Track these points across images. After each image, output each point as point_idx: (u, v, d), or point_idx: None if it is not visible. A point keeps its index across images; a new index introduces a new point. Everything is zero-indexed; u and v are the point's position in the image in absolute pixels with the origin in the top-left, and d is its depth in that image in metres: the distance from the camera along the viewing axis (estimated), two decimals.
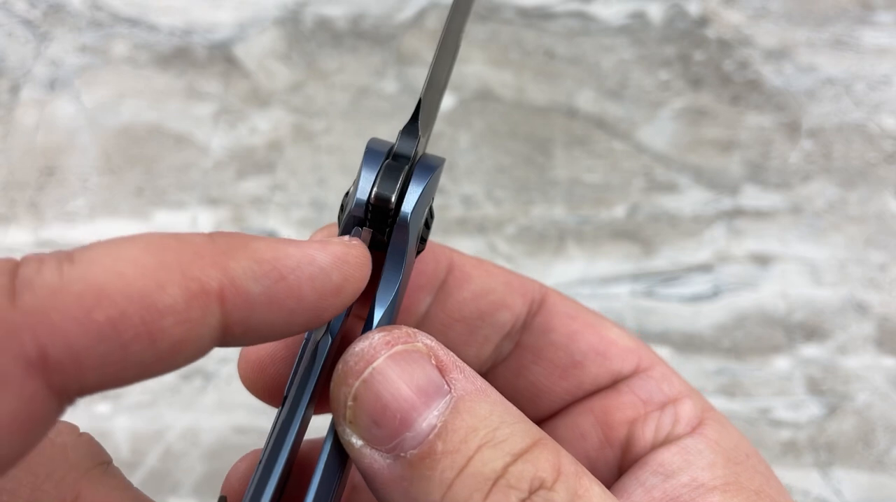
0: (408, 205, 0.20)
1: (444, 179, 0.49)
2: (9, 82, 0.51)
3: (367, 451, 0.18)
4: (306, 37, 0.52)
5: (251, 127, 0.50)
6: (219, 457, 0.43)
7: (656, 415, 0.25)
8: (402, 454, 0.17)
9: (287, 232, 0.48)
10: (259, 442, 0.44)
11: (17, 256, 0.15)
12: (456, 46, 0.26)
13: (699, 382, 0.45)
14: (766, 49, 0.52)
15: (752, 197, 0.49)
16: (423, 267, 0.25)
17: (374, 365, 0.18)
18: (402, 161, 0.20)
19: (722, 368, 0.46)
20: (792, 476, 0.44)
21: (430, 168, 0.20)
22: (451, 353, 0.19)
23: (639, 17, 0.53)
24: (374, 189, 0.19)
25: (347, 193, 0.21)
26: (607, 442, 0.25)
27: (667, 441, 0.24)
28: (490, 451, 0.17)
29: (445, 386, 0.18)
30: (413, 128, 0.20)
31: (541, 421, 0.27)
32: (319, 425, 0.20)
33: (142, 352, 0.14)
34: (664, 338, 0.46)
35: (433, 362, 0.18)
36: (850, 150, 0.50)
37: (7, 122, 0.50)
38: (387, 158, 0.20)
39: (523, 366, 0.26)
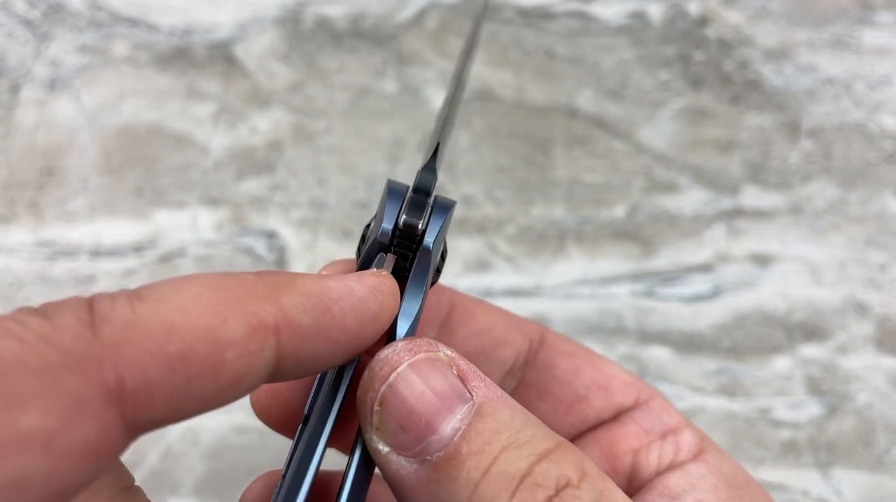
0: (430, 235, 0.22)
1: (443, 178, 0.49)
2: (9, 82, 0.51)
3: (394, 457, 0.18)
4: (306, 37, 0.52)
5: (251, 127, 0.50)
6: (219, 457, 0.43)
7: (659, 444, 0.26)
8: (427, 457, 0.18)
9: (287, 232, 0.48)
10: (259, 441, 0.44)
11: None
12: (465, 84, 0.28)
13: (699, 382, 0.45)
14: (766, 49, 0.52)
15: (752, 197, 0.49)
16: (427, 303, 0.25)
17: (399, 370, 0.19)
18: (423, 194, 0.22)
19: (722, 368, 0.46)
20: (792, 476, 0.44)
21: (446, 207, 0.23)
22: (471, 364, 0.20)
23: (639, 17, 0.53)
24: (403, 216, 0.22)
25: (369, 225, 0.23)
26: (613, 471, 0.26)
27: (670, 467, 0.25)
28: (515, 452, 0.17)
29: (467, 394, 0.19)
30: (431, 166, 0.22)
31: None
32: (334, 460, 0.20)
33: (206, 384, 0.15)
34: (664, 338, 0.46)
35: (454, 371, 0.19)
36: (850, 150, 0.50)
37: (7, 122, 0.50)
38: (408, 193, 0.22)
39: (529, 403, 0.27)
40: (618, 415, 0.27)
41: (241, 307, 0.16)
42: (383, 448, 0.18)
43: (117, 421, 0.14)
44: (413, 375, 0.18)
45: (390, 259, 0.22)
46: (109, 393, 0.14)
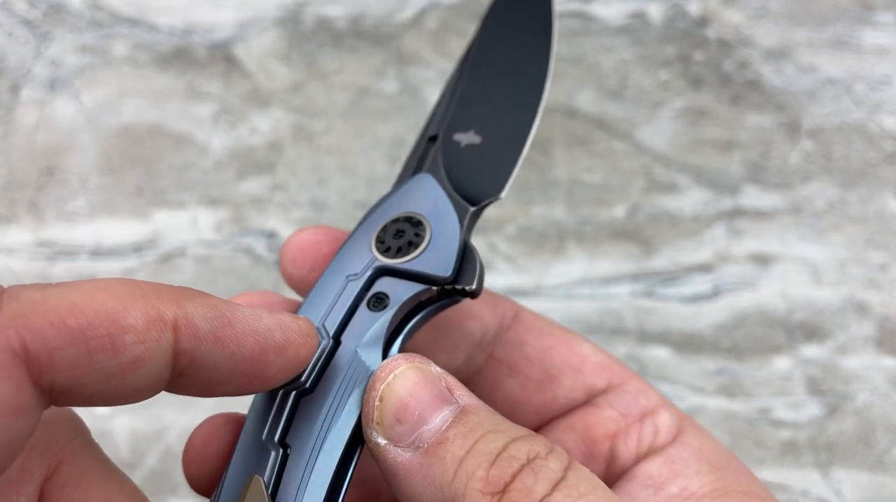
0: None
1: None
2: (9, 82, 0.51)
3: (391, 448, 0.21)
4: (306, 37, 0.52)
5: (251, 127, 0.50)
6: None
7: (637, 427, 0.26)
8: (420, 446, 0.20)
9: (287, 231, 0.48)
10: None
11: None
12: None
13: (699, 382, 0.45)
14: (766, 49, 0.52)
15: (752, 197, 0.49)
16: None
17: (396, 372, 0.21)
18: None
19: (722, 368, 0.46)
20: (792, 476, 0.44)
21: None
22: (456, 380, 0.22)
23: (639, 17, 0.53)
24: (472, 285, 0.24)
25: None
26: (591, 456, 0.26)
27: (650, 452, 0.25)
28: (493, 435, 0.20)
29: (453, 399, 0.21)
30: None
31: None
32: None
33: (106, 361, 0.17)
34: (664, 337, 0.46)
35: (443, 383, 0.22)
36: (850, 150, 0.50)
37: (7, 122, 0.50)
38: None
39: (498, 379, 0.28)
40: (590, 398, 0.27)
41: (144, 300, 0.18)
42: (382, 441, 0.21)
43: (27, 379, 0.16)
44: (408, 376, 0.21)
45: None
46: (15, 354, 0.16)
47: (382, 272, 0.24)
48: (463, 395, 0.22)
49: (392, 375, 0.21)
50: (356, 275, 0.24)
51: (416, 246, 0.24)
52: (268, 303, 0.25)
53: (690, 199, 0.49)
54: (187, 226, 0.48)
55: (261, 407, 0.22)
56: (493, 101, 0.28)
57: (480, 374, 0.28)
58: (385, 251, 0.24)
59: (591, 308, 0.46)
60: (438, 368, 0.22)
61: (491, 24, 0.29)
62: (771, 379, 0.45)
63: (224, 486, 0.22)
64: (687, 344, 0.46)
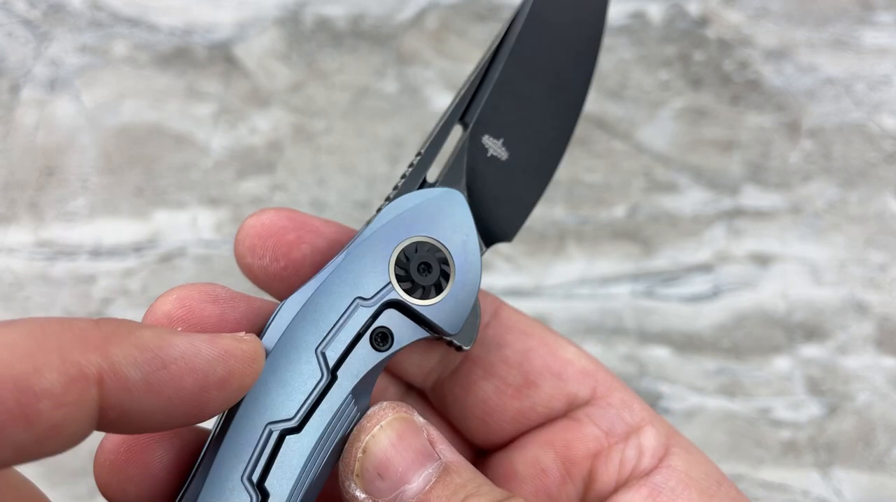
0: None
1: None
2: (9, 82, 0.51)
3: None
4: (306, 37, 0.52)
5: (251, 127, 0.50)
6: None
7: (620, 448, 0.24)
8: None
9: None
10: None
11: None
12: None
13: (699, 382, 0.45)
14: (766, 49, 0.52)
15: (752, 197, 0.49)
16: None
17: (382, 423, 0.21)
18: None
19: (722, 368, 0.46)
20: (792, 476, 0.44)
21: None
22: (438, 432, 0.22)
23: (639, 17, 0.53)
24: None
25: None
26: (569, 477, 0.25)
27: (632, 477, 0.24)
28: (475, 500, 0.20)
29: (435, 455, 0.21)
30: None
31: (494, 447, 0.26)
32: None
33: (18, 433, 0.15)
34: (664, 338, 0.46)
35: (426, 435, 0.21)
36: (850, 150, 0.50)
37: (7, 122, 0.50)
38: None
39: (473, 381, 0.26)
40: (572, 408, 0.25)
41: (60, 355, 0.15)
42: (360, 494, 0.20)
43: None
44: (393, 430, 0.21)
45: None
46: None
47: (393, 304, 0.23)
48: (444, 450, 0.21)
49: (378, 426, 0.21)
50: (367, 300, 0.22)
51: (439, 291, 0.23)
52: (211, 299, 0.22)
53: (690, 199, 0.49)
54: (187, 226, 0.48)
55: (240, 439, 0.20)
56: (527, 107, 0.26)
57: (454, 377, 0.26)
58: (404, 282, 0.23)
59: (591, 308, 0.46)
60: (421, 418, 0.22)
61: (539, 11, 0.26)
62: (771, 379, 0.45)
63: None
64: (687, 344, 0.46)
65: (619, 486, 0.24)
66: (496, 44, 0.26)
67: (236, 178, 0.49)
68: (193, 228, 0.48)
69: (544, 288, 0.47)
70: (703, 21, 0.53)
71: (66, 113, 0.50)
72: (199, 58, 0.51)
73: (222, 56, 0.51)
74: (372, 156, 0.49)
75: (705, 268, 0.48)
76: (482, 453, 0.27)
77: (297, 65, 0.51)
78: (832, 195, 0.49)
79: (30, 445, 0.15)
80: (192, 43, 0.52)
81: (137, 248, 0.47)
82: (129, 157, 0.49)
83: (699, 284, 0.47)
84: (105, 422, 0.16)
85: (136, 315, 0.46)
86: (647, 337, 0.46)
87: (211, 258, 0.47)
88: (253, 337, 0.20)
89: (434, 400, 0.27)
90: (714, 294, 0.47)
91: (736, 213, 0.49)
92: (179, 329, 0.19)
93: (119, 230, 0.48)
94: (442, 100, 0.50)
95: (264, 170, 0.49)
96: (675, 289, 0.47)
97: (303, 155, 0.49)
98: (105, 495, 0.21)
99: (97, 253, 0.47)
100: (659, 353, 0.46)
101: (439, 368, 0.26)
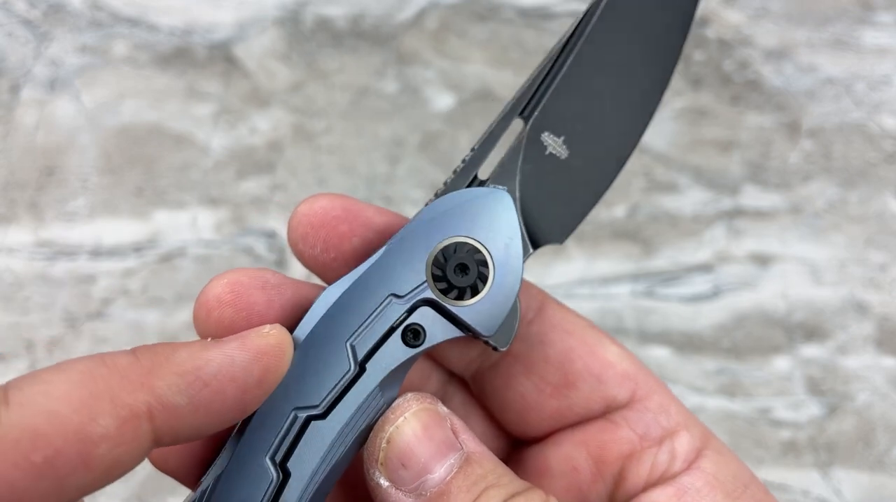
0: None
1: (444, 177, 0.49)
2: (9, 82, 0.51)
3: (393, 491, 0.21)
4: (306, 37, 0.52)
5: (251, 127, 0.50)
6: None
7: (653, 452, 0.24)
8: (423, 493, 0.21)
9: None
10: None
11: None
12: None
13: (699, 382, 0.45)
14: (766, 49, 0.52)
15: (752, 197, 0.49)
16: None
17: (406, 414, 0.22)
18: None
19: (722, 368, 0.46)
20: (792, 476, 0.44)
21: None
22: (461, 421, 0.22)
23: None
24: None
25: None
26: (600, 475, 0.25)
27: (662, 479, 0.24)
28: (494, 490, 0.21)
29: (458, 445, 0.22)
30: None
31: (530, 440, 0.27)
32: None
33: (80, 477, 0.16)
34: (664, 338, 0.46)
35: (449, 425, 0.22)
36: (850, 150, 0.50)
37: (7, 122, 0.50)
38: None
39: (513, 376, 0.26)
40: (609, 410, 0.25)
41: (110, 400, 0.16)
42: (384, 482, 0.21)
43: None
44: (417, 421, 0.21)
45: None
46: None
47: (427, 302, 0.23)
48: (467, 440, 0.22)
49: (402, 418, 0.21)
50: (401, 297, 0.22)
51: (475, 293, 0.23)
52: (260, 284, 0.22)
53: (690, 199, 0.49)
54: (187, 226, 0.48)
55: (266, 421, 0.21)
56: (594, 104, 0.25)
57: (495, 369, 0.26)
58: (440, 282, 0.22)
59: (591, 308, 0.46)
60: (445, 408, 0.22)
61: (617, 4, 0.25)
62: (771, 379, 0.45)
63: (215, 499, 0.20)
64: (687, 344, 0.46)
65: (647, 488, 0.24)
66: (569, 33, 0.25)
67: (236, 178, 0.49)
68: (193, 228, 0.48)
69: (544, 288, 0.47)
70: (702, 21, 0.53)
71: (66, 113, 0.50)
72: (199, 58, 0.51)
73: (222, 56, 0.51)
74: (372, 156, 0.49)
75: (705, 268, 0.48)
76: (518, 443, 0.27)
77: (297, 65, 0.51)
78: (832, 195, 0.49)
79: (91, 483, 0.16)
80: (192, 43, 0.52)
81: (137, 248, 0.47)
82: (129, 157, 0.49)
83: (699, 284, 0.47)
84: (161, 445, 0.18)
85: (136, 315, 0.46)
86: (647, 337, 0.46)
87: (211, 258, 0.47)
88: (278, 328, 0.20)
89: (474, 389, 0.27)
90: (714, 294, 0.47)
91: (736, 213, 0.49)
92: (209, 340, 0.20)
93: (119, 230, 0.48)
94: (442, 100, 0.50)
95: (264, 170, 0.49)
96: (675, 289, 0.47)
97: (303, 155, 0.49)
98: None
99: (97, 253, 0.47)
100: (659, 353, 0.46)
101: (479, 359, 0.26)
